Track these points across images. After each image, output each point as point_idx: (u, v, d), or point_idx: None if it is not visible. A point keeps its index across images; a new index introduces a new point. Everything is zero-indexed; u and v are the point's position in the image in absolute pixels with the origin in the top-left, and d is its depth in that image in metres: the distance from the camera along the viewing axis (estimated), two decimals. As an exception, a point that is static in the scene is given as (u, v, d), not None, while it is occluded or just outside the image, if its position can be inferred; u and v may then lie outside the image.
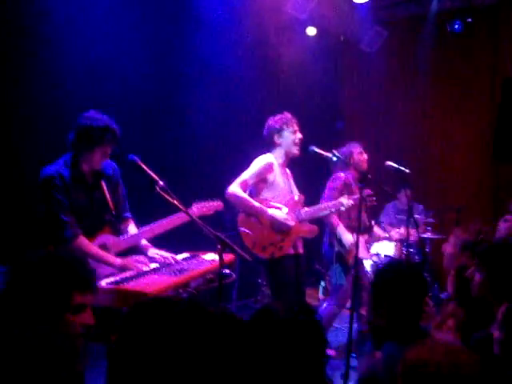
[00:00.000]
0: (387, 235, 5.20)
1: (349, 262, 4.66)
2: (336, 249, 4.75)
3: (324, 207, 4.39)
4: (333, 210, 4.38)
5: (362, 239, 4.82)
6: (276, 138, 4.17)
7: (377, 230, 5.23)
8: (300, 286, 4.19)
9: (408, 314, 2.21)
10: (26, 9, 4.33)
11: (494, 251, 2.65)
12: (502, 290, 2.46)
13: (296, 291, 4.08)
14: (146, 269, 3.00)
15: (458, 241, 3.51)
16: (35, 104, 4.35)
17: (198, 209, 3.49)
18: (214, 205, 3.62)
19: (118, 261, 3.05)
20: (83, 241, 3.01)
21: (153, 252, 3.26)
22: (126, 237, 3.26)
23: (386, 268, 2.49)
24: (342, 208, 4.33)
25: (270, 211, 4.02)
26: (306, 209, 4.26)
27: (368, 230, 5.00)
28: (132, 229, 3.37)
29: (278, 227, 4.03)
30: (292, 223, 4.07)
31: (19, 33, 4.32)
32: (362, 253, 4.76)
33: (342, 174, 4.81)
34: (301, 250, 4.26)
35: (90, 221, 3.09)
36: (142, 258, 3.14)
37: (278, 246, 4.04)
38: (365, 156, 4.92)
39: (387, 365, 2.00)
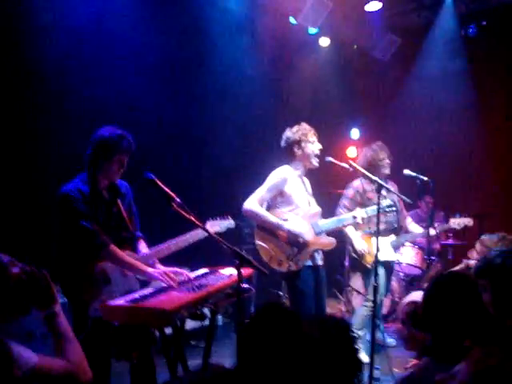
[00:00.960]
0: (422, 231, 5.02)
1: (366, 266, 4.64)
2: (352, 255, 4.79)
3: (337, 220, 4.33)
4: (346, 223, 4.34)
5: (385, 240, 4.79)
6: (295, 150, 4.15)
7: (414, 227, 5.09)
8: (320, 298, 4.16)
9: (458, 332, 2.01)
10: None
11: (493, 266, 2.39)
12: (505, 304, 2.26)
13: (316, 303, 4.06)
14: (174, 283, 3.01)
15: (484, 249, 3.47)
16: (53, 129, 4.46)
17: (211, 226, 3.51)
18: (226, 223, 3.63)
19: (150, 269, 3.08)
20: (115, 248, 3.05)
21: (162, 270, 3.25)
22: (143, 254, 3.28)
23: (446, 283, 2.17)
24: (357, 220, 4.25)
25: (287, 225, 4.01)
26: (323, 221, 4.24)
27: (395, 231, 4.93)
28: (143, 248, 3.39)
29: (295, 241, 4.02)
30: (309, 237, 4.05)
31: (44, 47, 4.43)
32: (386, 255, 4.73)
33: (357, 183, 4.80)
34: (320, 262, 4.23)
35: (110, 237, 3.11)
36: (174, 270, 3.14)
37: (294, 259, 4.02)
38: (387, 161, 4.82)
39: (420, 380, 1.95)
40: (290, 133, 4.20)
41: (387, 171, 4.83)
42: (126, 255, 3.11)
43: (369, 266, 4.64)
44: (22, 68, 4.41)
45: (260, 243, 4.00)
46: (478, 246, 4.02)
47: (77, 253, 3.04)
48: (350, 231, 4.72)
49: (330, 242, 4.23)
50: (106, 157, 3.10)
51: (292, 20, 6.33)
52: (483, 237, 4.11)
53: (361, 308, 4.95)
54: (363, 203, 4.64)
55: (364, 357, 4.41)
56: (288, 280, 4.15)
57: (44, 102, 4.50)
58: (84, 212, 3.02)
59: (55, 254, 3.14)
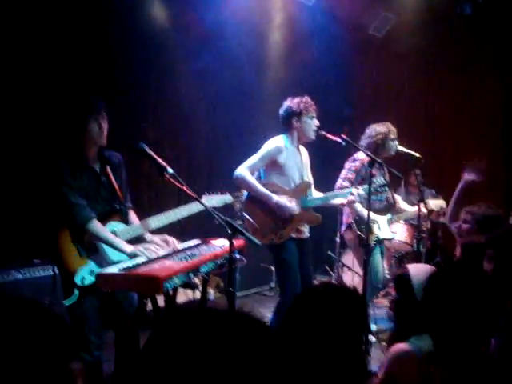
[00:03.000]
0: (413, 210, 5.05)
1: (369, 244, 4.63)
2: (356, 232, 4.66)
3: (332, 195, 4.33)
4: (341, 197, 4.31)
5: (383, 218, 4.80)
6: (294, 121, 4.13)
7: (404, 205, 5.08)
8: (306, 269, 4.20)
9: (464, 337, 1.90)
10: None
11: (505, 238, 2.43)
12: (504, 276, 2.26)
13: (302, 275, 4.10)
14: (155, 255, 3.02)
15: (473, 215, 3.45)
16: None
17: (207, 201, 3.50)
18: (223, 197, 3.62)
19: (130, 248, 3.08)
20: (96, 224, 3.05)
21: (150, 237, 3.28)
22: (135, 225, 3.29)
23: (446, 284, 2.03)
24: (351, 197, 4.23)
25: (276, 198, 4.03)
26: (312, 197, 4.24)
27: (390, 209, 4.91)
28: (133, 217, 3.40)
29: (282, 214, 4.04)
30: (296, 211, 4.06)
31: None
32: (384, 233, 4.76)
33: (363, 155, 4.58)
34: (305, 235, 4.26)
35: (99, 207, 3.12)
36: (152, 246, 3.15)
37: (278, 233, 4.05)
38: (396, 143, 4.72)
39: None
40: (291, 103, 4.16)
41: (393, 153, 4.73)
42: (106, 232, 3.09)
43: (372, 244, 4.62)
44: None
45: (246, 215, 4.02)
46: (462, 214, 3.99)
47: (65, 222, 3.05)
48: (360, 207, 4.57)
49: (315, 217, 4.23)
50: (82, 120, 3.06)
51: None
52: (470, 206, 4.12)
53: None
54: (366, 178, 4.46)
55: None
56: (273, 251, 4.17)
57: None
58: (69, 183, 3.01)
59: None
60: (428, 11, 6.74)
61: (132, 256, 3.01)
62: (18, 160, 4.42)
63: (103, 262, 3.07)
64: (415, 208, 4.88)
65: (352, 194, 4.22)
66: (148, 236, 3.28)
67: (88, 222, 3.01)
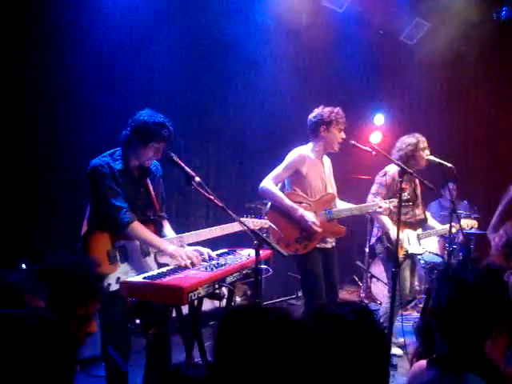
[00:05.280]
0: (441, 228, 4.95)
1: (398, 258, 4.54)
2: (386, 245, 4.62)
3: (357, 209, 4.28)
4: (367, 211, 4.29)
5: (413, 233, 4.72)
6: (322, 130, 4.10)
7: (432, 222, 4.99)
8: (332, 280, 4.17)
9: (477, 341, 1.82)
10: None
11: None
12: None
13: (328, 285, 4.07)
14: (188, 262, 3.00)
15: (505, 235, 3.34)
16: (86, 104, 4.50)
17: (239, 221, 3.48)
18: (260, 222, 3.61)
19: (172, 247, 3.08)
20: (138, 225, 3.06)
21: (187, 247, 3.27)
22: (170, 238, 3.28)
23: (467, 290, 1.87)
24: (379, 209, 4.21)
25: (301, 211, 4.01)
26: (337, 209, 4.19)
27: (421, 224, 4.85)
28: (167, 228, 3.40)
29: (306, 226, 4.02)
30: (319, 229, 4.04)
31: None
32: (413, 248, 4.67)
33: (393, 169, 4.56)
34: (330, 245, 4.22)
35: (136, 215, 3.12)
36: (192, 253, 3.12)
37: (302, 244, 4.04)
38: (427, 152, 4.61)
39: None
40: (322, 112, 4.13)
41: (424, 164, 4.62)
42: (150, 232, 3.11)
43: (401, 258, 4.56)
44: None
45: (271, 225, 4.00)
46: (501, 230, 3.88)
47: (100, 227, 3.06)
48: (387, 221, 4.52)
49: (340, 230, 4.21)
50: (142, 142, 3.07)
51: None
52: (509, 223, 3.99)
53: (387, 301, 4.85)
54: (396, 192, 4.39)
55: (397, 350, 4.41)
56: (297, 261, 4.16)
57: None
58: (112, 186, 3.04)
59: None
60: (464, 17, 6.60)
61: (173, 256, 3.03)
62: (48, 163, 4.48)
63: (132, 270, 3.08)
64: (443, 226, 4.79)
65: (380, 207, 4.19)
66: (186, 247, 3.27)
67: (133, 221, 3.03)
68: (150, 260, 3.24)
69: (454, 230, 4.55)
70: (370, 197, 4.60)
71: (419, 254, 4.87)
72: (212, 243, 3.41)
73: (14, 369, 1.11)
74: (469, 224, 4.87)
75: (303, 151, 4.11)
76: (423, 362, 1.92)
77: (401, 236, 4.43)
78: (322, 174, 4.23)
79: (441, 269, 5.70)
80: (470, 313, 1.80)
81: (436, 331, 1.89)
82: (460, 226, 4.55)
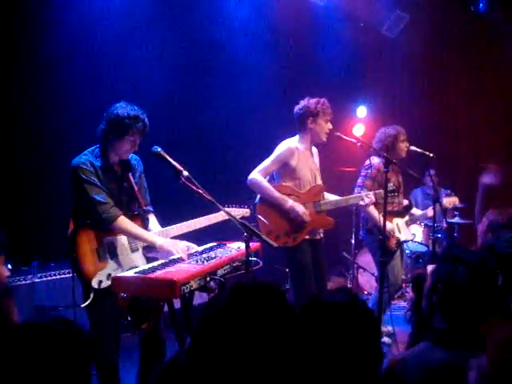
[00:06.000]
0: (422, 213, 5.00)
1: (391, 248, 4.60)
2: (378, 237, 4.62)
3: (344, 200, 4.31)
4: (353, 202, 4.33)
5: (402, 221, 4.79)
6: (309, 122, 4.12)
7: (414, 210, 5.07)
8: (321, 270, 4.20)
9: (475, 318, 1.87)
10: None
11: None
12: None
13: (317, 276, 4.10)
14: (176, 256, 3.01)
15: (487, 221, 3.41)
16: (64, 97, 4.48)
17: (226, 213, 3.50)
18: (241, 211, 3.63)
19: (160, 239, 3.09)
20: (124, 220, 3.06)
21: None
22: (154, 232, 3.28)
23: (463, 267, 1.95)
24: (362, 203, 4.25)
25: (290, 203, 4.03)
26: (325, 201, 4.23)
27: (407, 211, 4.90)
28: (154, 222, 3.40)
29: (295, 218, 4.05)
30: (308, 219, 4.07)
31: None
32: (404, 235, 4.74)
33: (377, 160, 4.65)
34: (318, 236, 4.25)
35: (121, 210, 3.12)
36: (180, 245, 3.13)
37: (291, 236, 4.06)
38: (406, 144, 4.69)
39: (417, 362, 1.88)
40: (308, 103, 4.15)
41: (403, 154, 4.70)
42: (136, 226, 3.12)
43: (393, 247, 4.61)
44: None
45: (260, 217, 4.02)
46: (484, 218, 3.95)
47: (86, 225, 3.05)
48: (375, 213, 4.53)
49: (328, 221, 4.25)
50: (117, 135, 3.07)
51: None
52: (492, 210, 4.06)
53: (376, 292, 4.90)
54: (382, 183, 4.44)
55: (386, 339, 4.53)
56: (287, 253, 4.17)
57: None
58: (95, 183, 3.03)
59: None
60: (441, 9, 6.68)
61: (162, 248, 3.04)
62: (37, 160, 4.45)
63: (121, 266, 3.08)
64: (424, 211, 4.87)
65: (362, 199, 4.23)
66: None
67: (118, 216, 3.04)
68: (139, 255, 3.24)
69: (438, 208, 4.62)
70: (357, 189, 4.63)
71: (411, 240, 4.94)
72: (201, 237, 3.42)
73: (43, 371, 1.21)
74: (450, 202, 4.94)
75: (291, 143, 4.13)
76: (426, 343, 1.96)
77: (390, 226, 4.53)
78: (312, 164, 4.25)
79: (444, 249, 5.78)
80: (475, 291, 1.86)
81: (436, 311, 1.95)
82: (442, 207, 4.60)
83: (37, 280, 4.09)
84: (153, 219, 3.42)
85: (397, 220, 4.73)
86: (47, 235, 3.59)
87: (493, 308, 1.91)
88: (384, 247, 4.08)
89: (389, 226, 4.46)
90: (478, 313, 1.87)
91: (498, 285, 2.00)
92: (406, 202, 4.97)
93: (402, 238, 4.70)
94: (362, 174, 4.70)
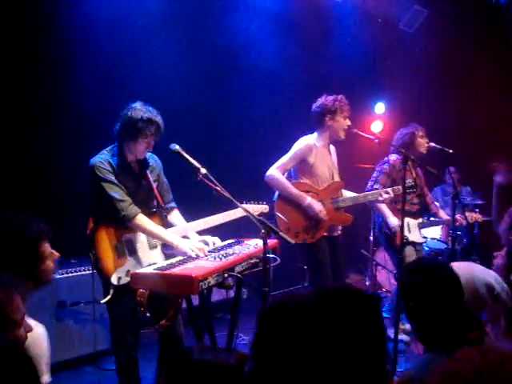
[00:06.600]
0: (446, 219, 4.98)
1: (396, 245, 4.59)
2: (384, 230, 4.70)
3: (362, 197, 4.31)
4: (371, 199, 4.31)
5: (414, 222, 4.75)
6: (327, 119, 4.12)
7: (442, 213, 5.05)
8: (338, 267, 4.20)
9: (445, 320, 1.92)
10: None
11: None
12: None
13: (334, 272, 4.10)
14: (194, 254, 3.03)
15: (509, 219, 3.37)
16: (83, 98, 4.53)
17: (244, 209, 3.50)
18: (260, 207, 3.62)
19: (178, 239, 3.11)
20: (143, 218, 3.09)
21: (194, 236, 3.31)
22: (174, 229, 3.30)
23: (414, 270, 2.09)
24: (380, 198, 4.24)
25: (308, 200, 4.03)
26: (343, 197, 4.22)
27: (422, 213, 4.89)
28: (177, 218, 3.43)
29: (314, 215, 4.05)
30: (325, 217, 4.07)
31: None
32: (414, 236, 4.70)
33: (394, 157, 4.67)
34: (336, 233, 4.25)
35: (139, 208, 3.14)
36: (199, 244, 3.14)
37: (310, 233, 4.06)
38: (426, 140, 4.70)
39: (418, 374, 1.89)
40: (326, 101, 4.15)
41: (423, 151, 4.70)
42: (155, 224, 3.14)
43: (399, 244, 4.59)
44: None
45: (279, 214, 4.02)
46: (506, 216, 3.90)
47: (106, 222, 3.09)
48: (385, 208, 4.60)
49: (347, 218, 4.24)
50: (131, 137, 3.10)
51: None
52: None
53: (395, 289, 4.89)
54: (397, 180, 4.52)
55: (404, 336, 4.49)
56: (305, 250, 4.18)
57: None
58: (113, 182, 3.07)
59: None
60: (460, 2, 6.59)
61: (179, 248, 3.05)
62: (59, 158, 4.52)
63: (140, 263, 3.11)
64: (447, 217, 4.83)
65: (380, 195, 4.22)
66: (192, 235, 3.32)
67: (137, 214, 3.06)
68: (158, 252, 3.27)
69: (457, 224, 4.61)
70: (370, 183, 4.67)
71: (419, 244, 4.89)
72: (220, 234, 3.44)
73: None
74: (473, 217, 4.91)
75: (309, 140, 4.13)
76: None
77: (398, 222, 4.50)
78: (329, 162, 4.25)
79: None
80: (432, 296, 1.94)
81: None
82: (464, 212, 4.57)
83: (58, 276, 4.14)
84: (177, 215, 3.45)
85: (408, 219, 4.69)
86: (68, 231, 3.63)
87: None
88: (390, 241, 4.08)
89: (396, 222, 4.49)
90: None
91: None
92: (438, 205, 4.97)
93: (410, 238, 4.61)
94: (377, 169, 4.74)
